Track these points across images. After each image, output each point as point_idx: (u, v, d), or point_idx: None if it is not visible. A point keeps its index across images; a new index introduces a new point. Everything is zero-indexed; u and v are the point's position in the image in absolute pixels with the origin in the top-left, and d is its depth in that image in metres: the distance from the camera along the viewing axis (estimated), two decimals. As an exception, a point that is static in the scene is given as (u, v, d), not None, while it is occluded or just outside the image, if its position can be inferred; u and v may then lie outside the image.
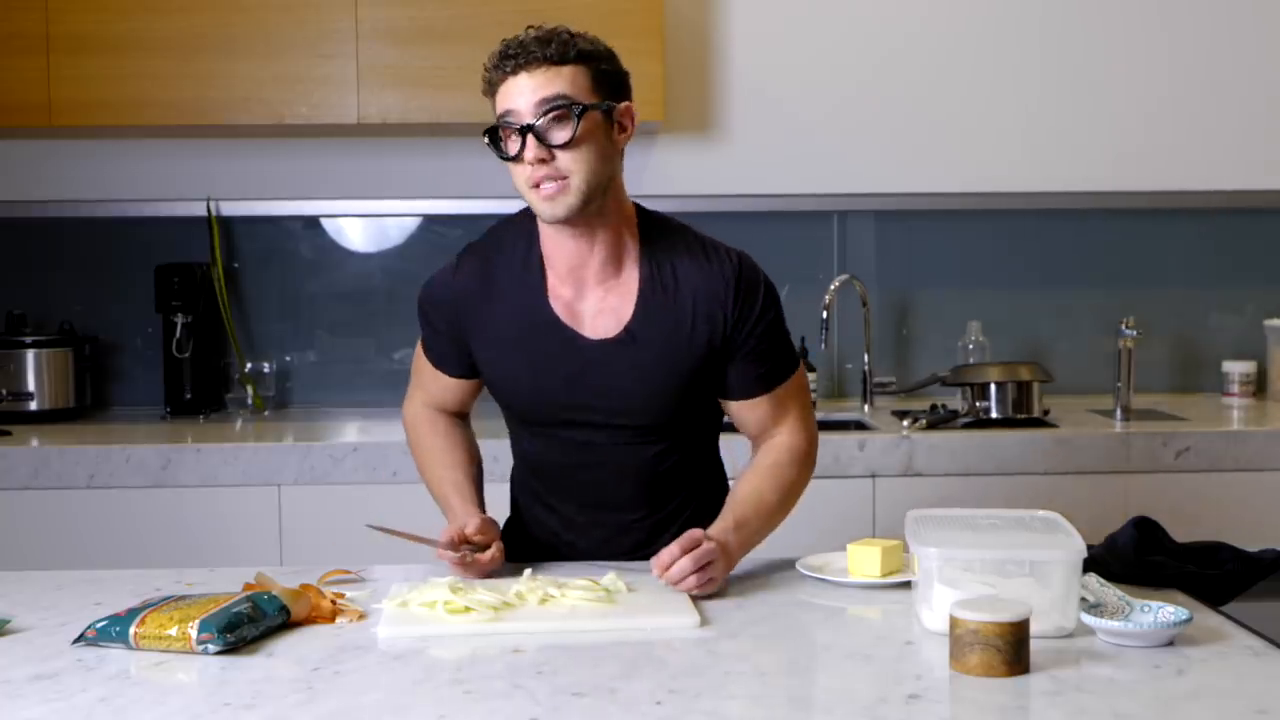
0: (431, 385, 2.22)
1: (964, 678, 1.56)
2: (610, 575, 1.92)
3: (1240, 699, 1.51)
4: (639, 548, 2.11)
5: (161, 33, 3.44)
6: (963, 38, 3.85)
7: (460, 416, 2.27)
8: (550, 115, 1.91)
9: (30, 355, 3.63)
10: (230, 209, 3.81)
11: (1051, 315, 3.94)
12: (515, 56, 1.93)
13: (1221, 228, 3.94)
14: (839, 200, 3.86)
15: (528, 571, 1.94)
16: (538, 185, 1.94)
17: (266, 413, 3.76)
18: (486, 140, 1.98)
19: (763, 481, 2.09)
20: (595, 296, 2.05)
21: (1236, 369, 3.79)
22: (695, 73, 3.81)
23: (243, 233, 3.85)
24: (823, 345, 3.73)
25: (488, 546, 2.00)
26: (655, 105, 3.45)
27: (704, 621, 1.80)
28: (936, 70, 3.85)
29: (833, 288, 3.76)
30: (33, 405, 3.62)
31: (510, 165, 1.97)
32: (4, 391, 3.61)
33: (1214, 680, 1.57)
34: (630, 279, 2.05)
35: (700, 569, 1.89)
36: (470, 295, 2.10)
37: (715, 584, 1.92)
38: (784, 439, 2.13)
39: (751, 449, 2.18)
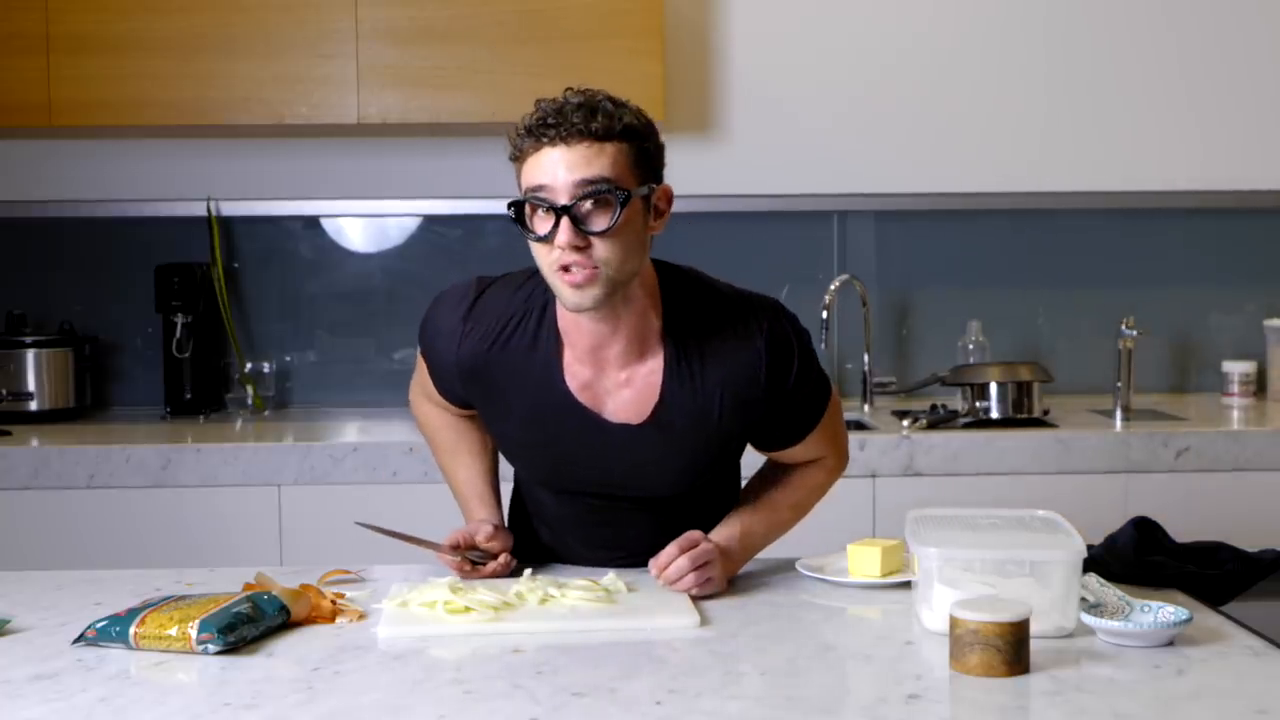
0: (435, 394, 2.11)
1: (964, 678, 1.56)
2: (610, 575, 1.92)
3: (1240, 699, 1.51)
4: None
5: (161, 33, 3.44)
6: (963, 38, 3.85)
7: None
8: (590, 199, 1.76)
9: (30, 355, 3.63)
10: (230, 209, 3.81)
11: (1051, 315, 3.94)
12: (555, 126, 1.76)
13: (1221, 228, 3.94)
14: (839, 200, 3.86)
15: (528, 572, 1.94)
16: (566, 268, 1.78)
17: (266, 413, 3.76)
18: (512, 214, 1.81)
19: (780, 492, 2.06)
20: (617, 380, 1.92)
21: (1236, 369, 3.79)
22: (695, 73, 3.81)
23: (243, 233, 3.85)
24: (823, 345, 3.73)
25: (495, 556, 1.98)
26: (655, 105, 3.44)
27: (704, 621, 1.80)
28: (937, 71, 3.85)
29: (833, 288, 3.76)
30: (33, 405, 3.62)
31: (534, 243, 1.81)
32: (4, 391, 3.61)
33: (1214, 680, 1.57)
34: (655, 363, 1.91)
35: (698, 568, 1.89)
36: (478, 365, 1.95)
37: (714, 585, 1.91)
38: (818, 465, 2.09)
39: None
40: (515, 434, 2.00)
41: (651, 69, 3.43)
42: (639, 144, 1.82)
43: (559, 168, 1.76)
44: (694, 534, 1.92)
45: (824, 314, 3.71)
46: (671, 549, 1.89)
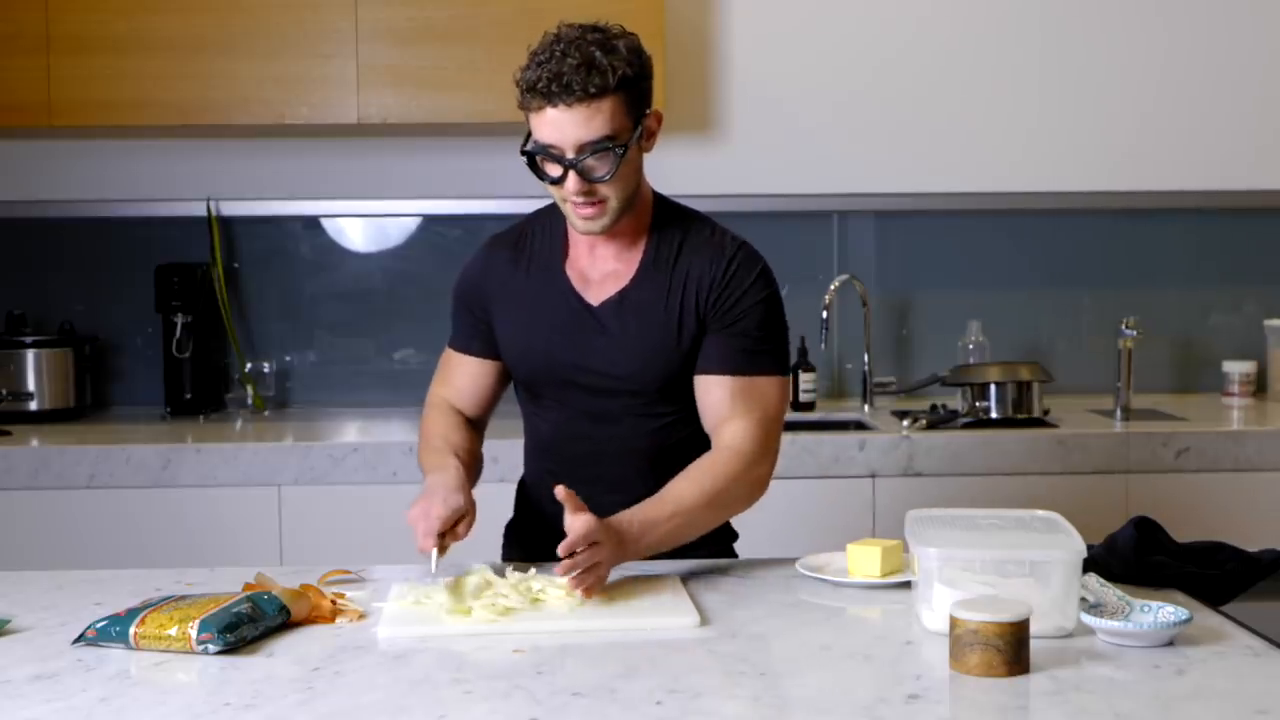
0: (454, 375, 2.26)
1: (964, 678, 1.56)
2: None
3: (1240, 699, 1.51)
4: None
5: (161, 33, 3.44)
6: (963, 38, 3.85)
7: (475, 423, 2.27)
8: (593, 155, 1.96)
9: (30, 355, 3.63)
10: (230, 209, 3.81)
11: (1051, 315, 3.94)
12: (556, 91, 1.93)
13: (1221, 228, 3.94)
14: (839, 200, 3.86)
15: (518, 573, 1.93)
16: (576, 204, 2.01)
17: (266, 413, 3.76)
18: (525, 161, 2.01)
19: (692, 483, 2.02)
20: (604, 262, 2.13)
21: (1236, 369, 3.79)
22: (695, 73, 3.81)
23: (243, 233, 3.85)
24: (823, 345, 3.74)
25: (461, 520, 2.00)
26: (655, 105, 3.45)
27: (704, 621, 1.80)
28: (937, 71, 3.85)
29: (833, 288, 3.76)
30: (33, 405, 3.62)
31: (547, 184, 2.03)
32: (4, 391, 3.61)
33: (1214, 680, 1.57)
34: (638, 251, 2.12)
35: (584, 571, 1.85)
36: (501, 265, 2.18)
37: (594, 579, 1.85)
38: (732, 439, 2.06)
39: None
40: (517, 325, 2.16)
41: (651, 69, 3.43)
42: (634, 88, 1.99)
43: (562, 128, 1.95)
44: (583, 524, 1.85)
45: (824, 314, 3.71)
46: (563, 551, 1.84)
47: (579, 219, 2.03)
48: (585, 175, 1.97)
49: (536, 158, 1.99)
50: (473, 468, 2.19)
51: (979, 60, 3.86)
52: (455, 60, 3.47)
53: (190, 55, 3.45)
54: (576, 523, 1.85)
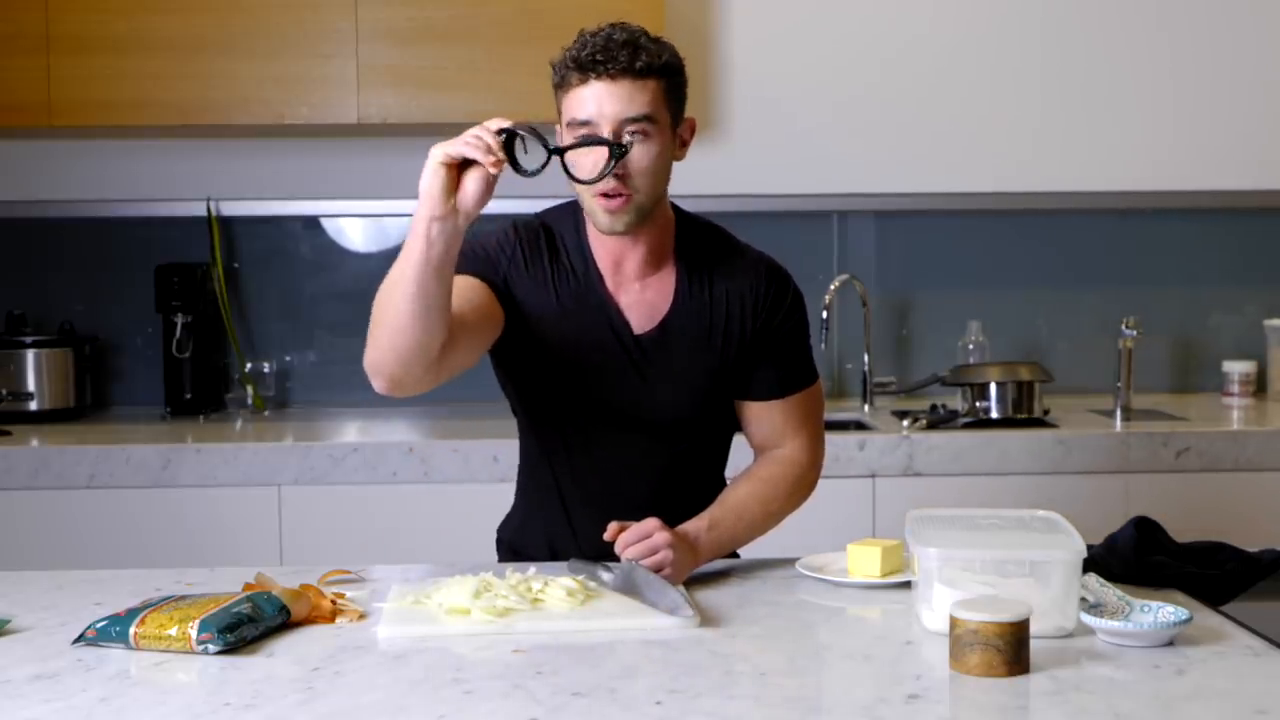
0: None
1: (964, 678, 1.56)
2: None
3: (1240, 699, 1.51)
4: None
5: (161, 33, 3.44)
6: (963, 38, 3.85)
7: None
8: (631, 135, 1.90)
9: (30, 355, 3.62)
10: (230, 209, 3.81)
11: (1051, 315, 3.94)
12: (601, 62, 1.88)
13: (1221, 228, 3.94)
14: (839, 200, 3.86)
15: (518, 573, 1.93)
16: (606, 194, 1.92)
17: (266, 413, 3.76)
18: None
19: (753, 492, 2.08)
20: (633, 291, 2.06)
21: (1236, 369, 3.79)
22: (695, 73, 3.77)
23: (243, 233, 3.85)
24: (823, 345, 3.73)
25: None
26: (655, 105, 3.45)
27: (704, 621, 1.80)
28: (937, 70, 3.85)
29: (833, 288, 3.76)
30: (33, 405, 3.62)
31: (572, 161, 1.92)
32: (4, 391, 3.61)
33: (1214, 680, 1.57)
34: (668, 277, 2.07)
35: (652, 556, 1.90)
36: (525, 252, 2.06)
37: (669, 576, 1.90)
38: (788, 454, 2.12)
39: (754, 459, 2.17)
40: (544, 331, 2.04)
41: (651, 69, 3.43)
42: (675, 80, 1.96)
43: (605, 102, 1.89)
44: (650, 522, 1.92)
45: (824, 314, 3.71)
46: (629, 534, 1.91)
47: (603, 213, 1.94)
48: (620, 155, 1.88)
49: (564, 151, 1.88)
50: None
51: (979, 60, 3.86)
52: (455, 60, 3.47)
53: (190, 55, 3.45)
54: (647, 523, 1.92)
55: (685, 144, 2.02)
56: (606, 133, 1.89)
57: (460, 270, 1.96)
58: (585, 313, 2.05)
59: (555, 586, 1.86)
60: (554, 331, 2.05)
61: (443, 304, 1.85)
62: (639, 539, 1.91)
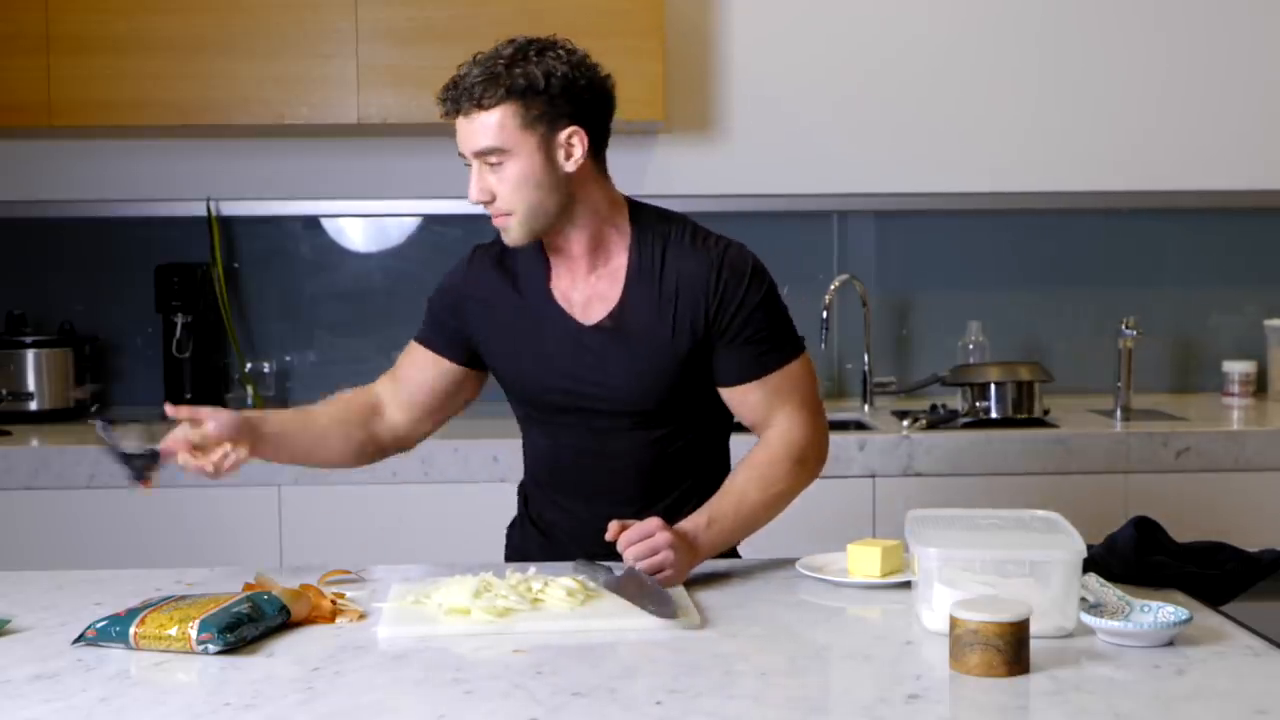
0: (403, 364, 2.22)
1: (964, 678, 1.56)
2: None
3: (1240, 699, 1.51)
4: None
5: (161, 33, 3.44)
6: (963, 38, 3.85)
7: (403, 424, 2.22)
8: (485, 165, 2.01)
9: (30, 355, 3.63)
10: (230, 209, 3.81)
11: (1051, 315, 3.94)
12: (453, 100, 2.00)
13: (1221, 228, 3.94)
14: (839, 200, 3.86)
15: (518, 574, 1.93)
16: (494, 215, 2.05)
17: (266, 413, 3.76)
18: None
19: (750, 478, 2.07)
20: (587, 284, 2.10)
21: (1236, 369, 3.79)
22: (695, 73, 3.81)
23: (243, 233, 3.85)
24: (823, 345, 3.73)
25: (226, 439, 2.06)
26: (655, 105, 3.45)
27: (704, 621, 1.80)
28: (937, 70, 3.85)
29: (833, 288, 3.76)
30: (33, 405, 3.62)
31: None
32: (4, 391, 3.61)
33: (1214, 680, 1.57)
34: (619, 266, 2.09)
35: (651, 557, 1.91)
36: (488, 280, 2.16)
37: (670, 577, 1.91)
38: (779, 432, 2.10)
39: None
40: (507, 347, 2.15)
41: (651, 69, 3.43)
42: (527, 100, 1.98)
43: (463, 138, 2.02)
44: (651, 522, 1.94)
45: (824, 314, 3.71)
46: (631, 534, 1.92)
47: (500, 229, 2.06)
48: (482, 183, 2.01)
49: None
50: (326, 437, 2.17)
51: (979, 60, 3.86)
52: (455, 60, 3.38)
53: (190, 55, 3.45)
54: (648, 523, 1.94)
55: (572, 155, 2.02)
56: (471, 162, 2.02)
57: (420, 336, 2.22)
58: (539, 307, 2.11)
59: (555, 586, 1.86)
60: (515, 333, 2.13)
61: (314, 448, 2.17)
62: (640, 538, 1.92)
